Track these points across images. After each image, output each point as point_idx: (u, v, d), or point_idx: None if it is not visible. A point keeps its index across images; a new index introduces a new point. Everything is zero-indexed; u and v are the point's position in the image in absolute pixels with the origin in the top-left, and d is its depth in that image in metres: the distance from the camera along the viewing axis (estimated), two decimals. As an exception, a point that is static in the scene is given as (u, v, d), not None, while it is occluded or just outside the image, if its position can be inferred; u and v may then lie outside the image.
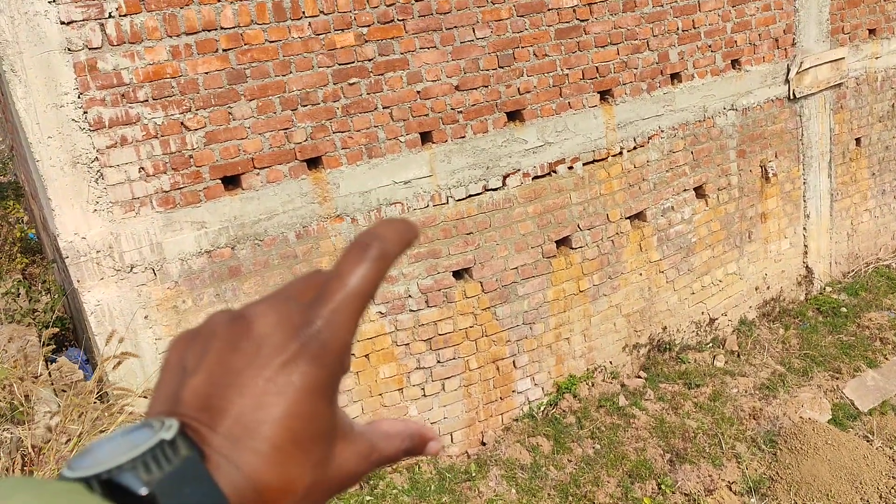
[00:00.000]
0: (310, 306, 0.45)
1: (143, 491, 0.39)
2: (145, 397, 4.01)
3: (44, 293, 6.00)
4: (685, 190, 6.67)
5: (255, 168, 4.92)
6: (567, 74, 5.82)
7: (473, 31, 5.38)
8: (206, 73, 4.66)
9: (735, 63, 6.66)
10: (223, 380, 0.43)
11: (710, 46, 6.44)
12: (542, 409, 6.26)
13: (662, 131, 6.38)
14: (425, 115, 5.36)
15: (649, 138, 6.32)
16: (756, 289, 7.45)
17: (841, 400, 6.56)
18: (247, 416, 0.42)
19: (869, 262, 8.25)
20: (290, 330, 0.44)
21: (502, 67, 5.55)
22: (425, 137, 5.42)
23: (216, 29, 4.64)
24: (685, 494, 5.54)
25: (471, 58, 5.42)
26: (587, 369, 6.48)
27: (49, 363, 4.94)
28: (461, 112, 5.47)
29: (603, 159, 6.12)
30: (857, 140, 7.80)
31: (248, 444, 0.42)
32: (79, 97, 4.35)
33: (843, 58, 7.30)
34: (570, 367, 6.39)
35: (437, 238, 5.58)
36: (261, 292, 4.99)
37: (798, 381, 6.70)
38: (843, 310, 7.60)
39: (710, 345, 7.13)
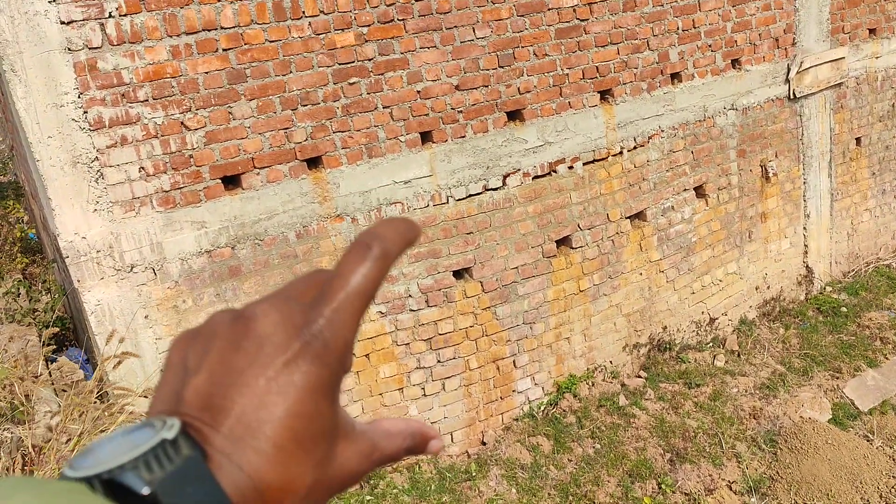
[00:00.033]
0: (311, 306, 0.45)
1: (145, 490, 0.39)
2: (146, 397, 4.01)
3: (44, 293, 6.00)
4: (685, 189, 6.66)
5: (255, 168, 4.92)
6: (567, 74, 5.81)
7: (473, 31, 5.38)
8: (207, 72, 4.66)
9: (735, 63, 6.66)
10: (225, 379, 0.43)
11: (710, 46, 6.44)
12: (542, 408, 6.26)
13: (662, 131, 6.38)
14: (425, 115, 5.36)
15: (649, 138, 6.32)
16: (756, 288, 7.45)
17: (841, 399, 6.56)
18: (249, 416, 0.42)
19: (869, 261, 8.25)
20: (291, 329, 0.44)
21: (502, 67, 5.55)
22: (425, 137, 5.42)
23: (216, 29, 4.64)
24: (685, 494, 5.54)
25: (471, 57, 5.42)
26: (587, 369, 6.48)
27: (49, 363, 4.94)
28: (461, 112, 5.47)
29: (603, 159, 6.12)
30: (858, 140, 7.80)
31: (250, 444, 0.42)
32: (79, 97, 4.35)
33: (844, 57, 7.29)
34: (571, 367, 6.39)
35: (438, 238, 5.58)
36: (261, 292, 4.99)
37: (798, 381, 6.70)
38: (844, 309, 7.60)
39: (711, 344, 7.13)
